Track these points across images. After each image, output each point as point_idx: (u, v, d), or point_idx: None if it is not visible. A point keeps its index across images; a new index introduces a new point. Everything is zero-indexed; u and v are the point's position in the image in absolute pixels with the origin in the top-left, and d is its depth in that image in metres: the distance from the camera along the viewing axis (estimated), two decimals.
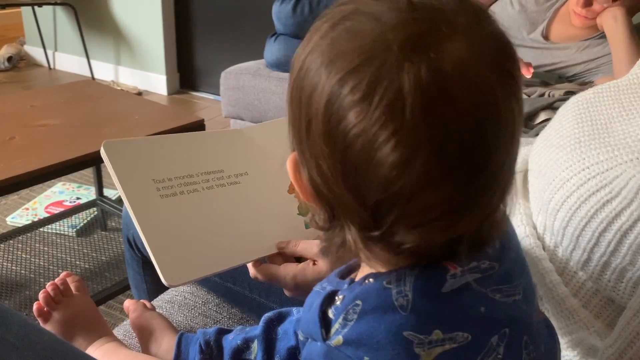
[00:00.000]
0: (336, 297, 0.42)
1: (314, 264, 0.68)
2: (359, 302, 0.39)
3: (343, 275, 0.48)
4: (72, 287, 0.74)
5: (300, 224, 0.78)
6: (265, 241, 0.72)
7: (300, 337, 0.47)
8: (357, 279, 0.44)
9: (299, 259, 0.71)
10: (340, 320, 0.40)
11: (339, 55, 0.35)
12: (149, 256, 0.63)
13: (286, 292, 0.70)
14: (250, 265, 0.71)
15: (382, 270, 0.41)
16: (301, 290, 0.68)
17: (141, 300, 0.77)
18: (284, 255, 0.72)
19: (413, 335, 0.37)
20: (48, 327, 0.69)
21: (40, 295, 0.70)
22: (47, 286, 0.71)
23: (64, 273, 0.73)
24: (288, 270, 0.68)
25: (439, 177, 0.34)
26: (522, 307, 0.42)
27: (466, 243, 0.38)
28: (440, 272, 0.39)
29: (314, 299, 0.44)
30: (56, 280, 0.72)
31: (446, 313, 0.38)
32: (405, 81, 0.33)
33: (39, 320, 0.70)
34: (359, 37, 0.35)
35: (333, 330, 0.40)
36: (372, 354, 0.38)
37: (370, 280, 0.40)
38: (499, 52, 0.35)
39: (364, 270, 0.44)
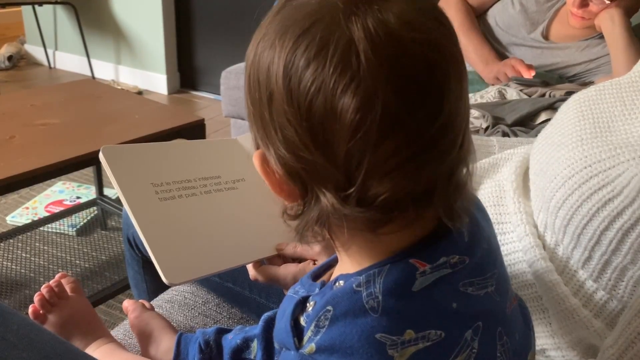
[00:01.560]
0: (307, 304, 0.42)
1: (314, 263, 0.68)
2: (330, 307, 0.39)
3: (317, 276, 0.48)
4: (68, 288, 0.74)
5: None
6: (264, 243, 0.72)
7: (276, 346, 0.47)
8: (327, 280, 0.44)
9: (298, 260, 0.71)
10: (312, 327, 0.40)
11: (289, 26, 0.37)
12: (149, 256, 0.63)
13: (286, 292, 0.70)
14: (250, 267, 0.72)
15: (352, 268, 0.41)
16: None
17: (140, 300, 0.77)
18: (283, 257, 0.72)
19: (385, 337, 0.37)
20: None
21: (36, 298, 0.70)
22: (42, 288, 0.71)
23: (59, 275, 0.73)
24: (288, 270, 0.68)
25: (401, 116, 0.35)
26: (495, 298, 0.42)
27: (439, 197, 0.38)
28: (408, 270, 0.39)
29: (286, 306, 0.44)
30: (51, 282, 0.71)
31: (417, 312, 0.38)
32: (355, 30, 0.35)
33: (33, 316, 0.69)
34: (305, 7, 0.37)
35: (305, 338, 0.40)
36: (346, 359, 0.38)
37: (340, 283, 0.41)
38: (431, 6, 0.38)
39: (335, 272, 0.44)
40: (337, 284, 0.41)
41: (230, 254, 0.70)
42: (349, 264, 0.43)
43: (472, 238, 0.42)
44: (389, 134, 0.35)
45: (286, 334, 0.42)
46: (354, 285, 0.39)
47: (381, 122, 0.35)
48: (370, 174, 0.36)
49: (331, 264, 0.49)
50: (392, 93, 0.35)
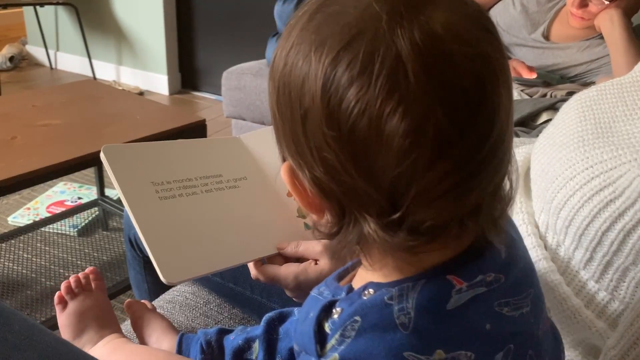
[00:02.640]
0: (334, 310, 0.40)
1: (316, 263, 0.68)
2: (357, 318, 0.37)
3: (342, 276, 0.46)
4: (93, 284, 0.74)
5: (300, 225, 0.78)
6: (264, 242, 0.72)
7: (295, 348, 0.46)
8: (354, 284, 0.42)
9: (300, 259, 0.71)
10: (337, 336, 0.38)
11: (326, 38, 0.34)
12: (149, 255, 0.63)
13: (288, 293, 0.70)
14: (251, 266, 0.71)
15: (384, 277, 0.39)
16: (303, 290, 0.68)
17: (142, 301, 0.77)
18: (284, 256, 0.72)
19: (414, 356, 0.36)
20: (64, 316, 0.70)
21: (63, 284, 0.72)
22: (70, 277, 0.72)
23: (90, 269, 0.74)
24: (289, 270, 0.68)
25: (453, 139, 0.33)
26: (529, 319, 0.40)
27: (485, 215, 0.36)
28: (445, 287, 0.37)
29: (310, 307, 0.43)
30: (80, 273, 0.73)
31: (450, 332, 0.37)
32: (402, 46, 0.32)
33: (57, 308, 0.71)
34: (344, 16, 0.34)
35: (329, 346, 0.38)
36: None
37: (370, 291, 0.39)
38: (478, 13, 0.36)
39: (363, 276, 0.42)
40: (366, 292, 0.39)
41: (229, 253, 0.70)
42: (379, 272, 0.40)
43: (509, 256, 0.40)
44: (440, 159, 0.33)
45: (309, 338, 0.40)
46: (385, 298, 0.37)
47: (432, 147, 0.32)
48: (417, 199, 0.34)
49: (355, 264, 0.47)
50: (443, 115, 0.32)
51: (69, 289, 0.71)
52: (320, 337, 0.39)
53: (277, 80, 0.37)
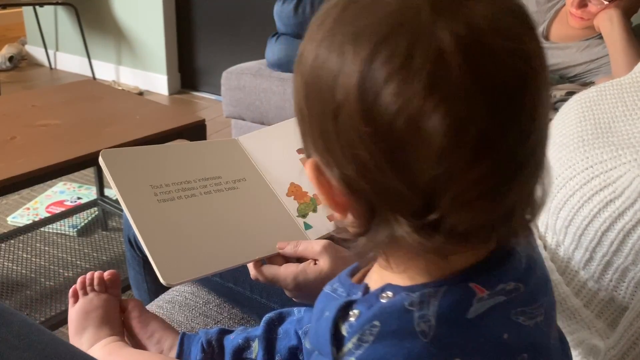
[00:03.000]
0: (351, 312, 0.39)
1: (315, 263, 0.68)
2: (377, 323, 0.36)
3: (354, 272, 0.45)
4: (111, 285, 0.74)
5: (300, 225, 0.78)
6: (264, 242, 0.72)
7: (307, 346, 0.44)
8: (370, 284, 0.41)
9: (300, 260, 0.71)
10: (354, 340, 0.37)
11: (363, 29, 0.32)
12: (147, 249, 0.63)
13: (287, 293, 0.70)
14: (251, 267, 0.71)
15: (403, 280, 0.38)
16: (303, 290, 0.68)
17: (132, 300, 0.76)
18: (284, 256, 0.72)
19: None
20: (72, 310, 0.70)
21: (80, 279, 0.72)
22: (88, 274, 0.72)
23: (111, 271, 0.73)
24: (289, 270, 0.68)
25: (494, 138, 0.31)
26: (542, 329, 0.40)
27: (517, 220, 0.35)
28: (467, 295, 0.36)
29: (324, 305, 0.42)
30: (99, 272, 0.73)
31: (469, 341, 0.36)
32: (445, 39, 0.30)
33: (70, 301, 0.71)
34: (381, 7, 0.32)
35: (345, 349, 0.37)
36: None
37: (389, 294, 0.37)
38: (520, 8, 0.34)
39: (380, 275, 0.41)
40: (384, 294, 0.38)
41: (228, 254, 0.70)
42: (398, 274, 0.39)
43: (528, 264, 0.39)
44: (480, 159, 0.32)
45: (324, 340, 0.39)
46: (405, 304, 0.36)
47: (474, 146, 0.31)
48: (453, 201, 0.33)
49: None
50: (486, 113, 0.31)
51: (83, 285, 0.72)
52: (337, 339, 0.38)
53: (306, 74, 0.36)
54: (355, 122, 0.33)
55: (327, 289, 0.44)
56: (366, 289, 0.40)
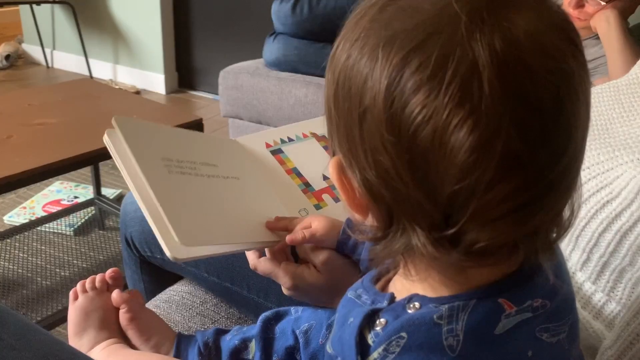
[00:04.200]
0: (377, 321, 0.38)
1: (315, 268, 0.68)
2: (404, 334, 0.35)
3: (376, 279, 0.44)
4: (114, 286, 0.73)
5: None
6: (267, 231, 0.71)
7: (329, 351, 0.43)
8: (396, 293, 0.40)
9: (297, 257, 0.71)
10: (380, 349, 0.36)
11: (397, 34, 0.32)
12: (151, 224, 0.60)
13: (284, 290, 0.70)
14: (250, 254, 0.70)
15: (430, 291, 0.37)
16: (299, 290, 0.68)
17: (134, 290, 0.74)
18: (285, 253, 0.71)
19: None
20: (71, 310, 0.69)
21: (80, 282, 0.71)
22: (90, 277, 0.71)
23: (113, 269, 0.72)
24: (288, 269, 0.67)
25: (522, 157, 0.30)
26: (564, 346, 0.39)
27: (542, 240, 0.34)
28: (496, 311, 0.35)
29: (348, 312, 0.41)
30: (99, 274, 0.72)
31: (495, 357, 0.35)
32: (480, 53, 0.29)
33: (70, 300, 0.70)
34: (419, 12, 0.32)
35: (371, 358, 0.37)
36: None
37: (416, 305, 0.37)
38: (565, 23, 0.33)
39: (405, 285, 0.40)
40: (412, 305, 0.37)
41: (241, 230, 0.68)
42: (423, 283, 0.38)
43: (555, 280, 0.38)
44: (505, 178, 0.31)
45: (349, 347, 0.38)
46: (434, 317, 0.35)
47: (498, 166, 0.30)
48: (473, 218, 0.32)
49: (389, 267, 0.44)
50: (515, 132, 0.30)
51: (83, 285, 0.71)
52: (362, 348, 0.38)
53: (337, 72, 0.35)
54: (380, 129, 0.32)
55: (350, 294, 0.43)
56: (392, 298, 0.40)
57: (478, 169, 0.30)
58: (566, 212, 0.36)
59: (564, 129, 0.32)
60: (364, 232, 0.38)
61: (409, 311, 0.37)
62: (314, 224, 0.67)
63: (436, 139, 0.30)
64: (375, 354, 0.36)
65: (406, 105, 0.31)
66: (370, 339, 0.37)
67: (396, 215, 0.35)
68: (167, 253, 0.58)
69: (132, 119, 0.70)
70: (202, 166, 0.72)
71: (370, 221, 0.37)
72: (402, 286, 0.41)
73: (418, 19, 0.31)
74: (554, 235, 0.36)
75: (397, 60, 0.31)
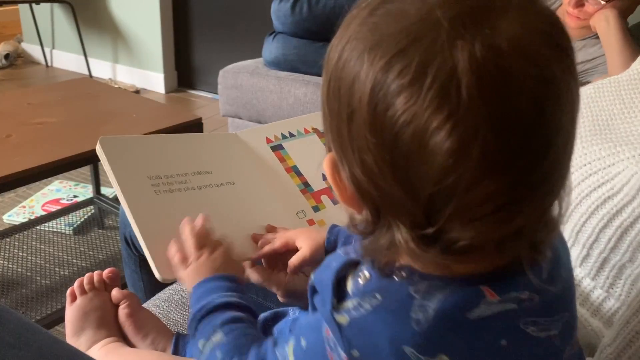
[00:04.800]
0: (361, 273, 0.39)
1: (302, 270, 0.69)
2: (379, 296, 0.37)
3: None
4: (113, 285, 0.73)
5: (297, 223, 0.78)
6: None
7: (311, 278, 0.44)
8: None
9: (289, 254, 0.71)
10: (355, 301, 0.38)
11: (382, 39, 0.33)
12: (143, 251, 0.63)
13: (280, 298, 0.71)
14: (245, 264, 0.71)
15: (421, 266, 0.38)
16: (293, 297, 0.69)
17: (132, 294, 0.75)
18: (274, 262, 0.72)
19: (414, 354, 0.35)
20: (69, 310, 0.69)
21: (77, 280, 0.71)
22: (87, 274, 0.72)
23: (110, 269, 0.72)
24: (280, 279, 0.69)
25: (500, 163, 0.31)
26: (554, 343, 0.39)
27: (526, 238, 0.35)
28: (475, 296, 0.36)
29: (333, 259, 0.42)
30: (96, 272, 0.72)
31: (460, 339, 0.36)
32: (459, 59, 0.30)
33: (67, 300, 0.70)
34: (404, 18, 0.33)
35: (344, 305, 0.38)
36: (364, 351, 0.37)
37: (403, 274, 0.38)
38: (553, 28, 0.33)
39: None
40: (400, 273, 0.38)
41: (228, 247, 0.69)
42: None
43: (550, 275, 0.39)
44: (484, 180, 0.31)
45: (326, 288, 0.40)
46: (411, 289, 0.36)
47: (476, 169, 0.31)
48: (454, 217, 0.33)
49: None
50: (493, 136, 0.30)
51: (81, 284, 0.71)
52: (339, 292, 0.39)
53: (329, 72, 0.37)
54: (365, 130, 0.33)
55: (339, 250, 0.44)
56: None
57: (456, 171, 0.31)
58: (554, 211, 0.36)
59: (544, 135, 0.32)
60: (357, 226, 0.40)
61: (395, 278, 0.38)
62: (299, 242, 0.68)
63: (416, 142, 0.31)
64: (349, 303, 0.38)
65: (388, 108, 0.32)
66: (350, 285, 0.39)
67: (382, 212, 0.36)
68: (156, 274, 0.60)
69: (119, 137, 0.71)
70: (194, 177, 0.73)
71: (365, 215, 0.38)
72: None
73: (403, 24, 0.32)
74: (541, 236, 0.36)
75: (381, 65, 0.32)
